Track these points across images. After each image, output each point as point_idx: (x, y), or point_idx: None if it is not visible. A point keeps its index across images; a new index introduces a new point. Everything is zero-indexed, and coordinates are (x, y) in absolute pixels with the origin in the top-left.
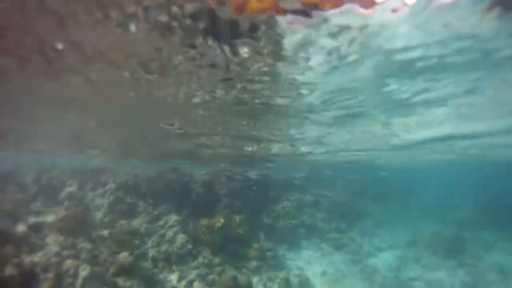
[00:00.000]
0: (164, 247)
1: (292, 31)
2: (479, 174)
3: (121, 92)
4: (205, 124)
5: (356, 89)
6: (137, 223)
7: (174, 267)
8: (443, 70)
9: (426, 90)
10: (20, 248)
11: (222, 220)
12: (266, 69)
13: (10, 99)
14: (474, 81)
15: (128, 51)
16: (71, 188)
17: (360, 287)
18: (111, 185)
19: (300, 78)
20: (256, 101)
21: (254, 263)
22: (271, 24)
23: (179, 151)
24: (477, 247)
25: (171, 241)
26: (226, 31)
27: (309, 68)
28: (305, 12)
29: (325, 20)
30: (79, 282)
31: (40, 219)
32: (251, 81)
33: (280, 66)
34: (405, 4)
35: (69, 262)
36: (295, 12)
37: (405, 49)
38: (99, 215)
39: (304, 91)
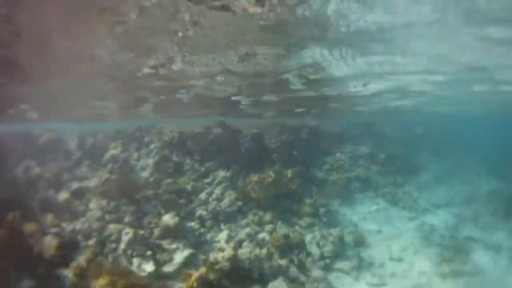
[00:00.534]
0: (211, 206)
1: None
2: None
3: None
4: None
5: None
6: (183, 181)
7: (222, 226)
8: None
9: None
10: (61, 216)
11: (272, 175)
12: None
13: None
14: None
15: None
16: (114, 150)
17: (418, 246)
18: (156, 144)
19: None
20: None
21: (306, 220)
22: None
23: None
24: None
25: (219, 199)
26: None
27: None
28: None
29: None
30: (121, 246)
31: (83, 184)
32: None
33: None
34: None
35: (111, 227)
36: None
37: None
38: (144, 175)
39: None
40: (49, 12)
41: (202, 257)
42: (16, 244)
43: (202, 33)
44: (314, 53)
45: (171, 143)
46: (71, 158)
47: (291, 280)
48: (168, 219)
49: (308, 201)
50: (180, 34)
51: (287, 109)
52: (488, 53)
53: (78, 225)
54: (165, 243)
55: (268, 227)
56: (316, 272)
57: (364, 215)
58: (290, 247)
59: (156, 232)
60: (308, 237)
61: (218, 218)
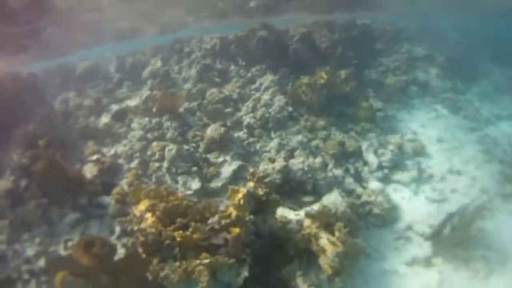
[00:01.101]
0: (260, 112)
1: None
2: None
3: None
4: None
5: None
6: (229, 89)
7: (272, 135)
8: None
9: None
10: (103, 142)
11: (325, 76)
12: None
13: None
14: None
15: None
16: (154, 65)
17: (480, 160)
18: (197, 54)
19: None
20: None
21: (363, 126)
22: None
23: None
24: None
25: (268, 105)
26: None
27: None
28: None
29: None
30: (165, 165)
31: (124, 105)
32: None
33: None
34: None
35: (154, 145)
36: None
37: None
38: (187, 87)
39: None
40: None
41: (252, 169)
42: (57, 176)
43: None
44: None
45: (213, 51)
46: (111, 81)
47: (347, 193)
48: (214, 130)
49: (364, 104)
50: None
51: None
52: None
53: (119, 148)
54: (211, 157)
55: (322, 133)
56: (373, 184)
57: (423, 122)
58: (346, 156)
59: (202, 145)
60: (364, 145)
61: (268, 126)
